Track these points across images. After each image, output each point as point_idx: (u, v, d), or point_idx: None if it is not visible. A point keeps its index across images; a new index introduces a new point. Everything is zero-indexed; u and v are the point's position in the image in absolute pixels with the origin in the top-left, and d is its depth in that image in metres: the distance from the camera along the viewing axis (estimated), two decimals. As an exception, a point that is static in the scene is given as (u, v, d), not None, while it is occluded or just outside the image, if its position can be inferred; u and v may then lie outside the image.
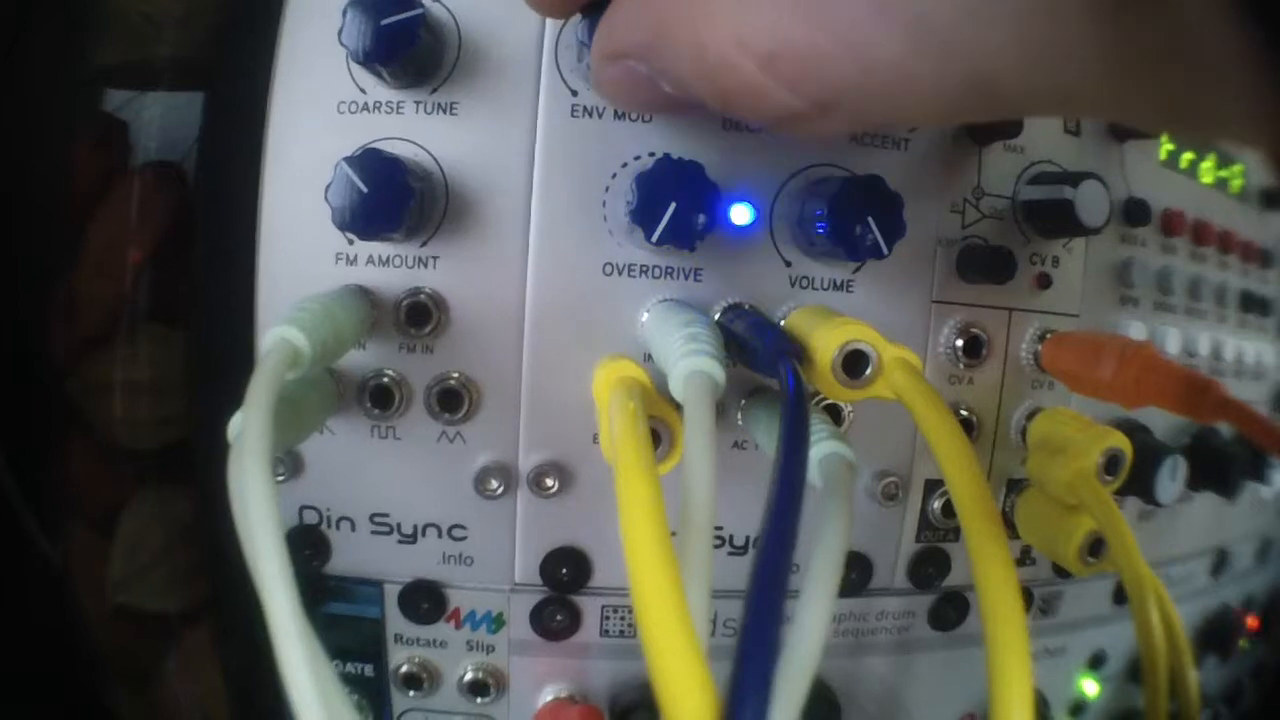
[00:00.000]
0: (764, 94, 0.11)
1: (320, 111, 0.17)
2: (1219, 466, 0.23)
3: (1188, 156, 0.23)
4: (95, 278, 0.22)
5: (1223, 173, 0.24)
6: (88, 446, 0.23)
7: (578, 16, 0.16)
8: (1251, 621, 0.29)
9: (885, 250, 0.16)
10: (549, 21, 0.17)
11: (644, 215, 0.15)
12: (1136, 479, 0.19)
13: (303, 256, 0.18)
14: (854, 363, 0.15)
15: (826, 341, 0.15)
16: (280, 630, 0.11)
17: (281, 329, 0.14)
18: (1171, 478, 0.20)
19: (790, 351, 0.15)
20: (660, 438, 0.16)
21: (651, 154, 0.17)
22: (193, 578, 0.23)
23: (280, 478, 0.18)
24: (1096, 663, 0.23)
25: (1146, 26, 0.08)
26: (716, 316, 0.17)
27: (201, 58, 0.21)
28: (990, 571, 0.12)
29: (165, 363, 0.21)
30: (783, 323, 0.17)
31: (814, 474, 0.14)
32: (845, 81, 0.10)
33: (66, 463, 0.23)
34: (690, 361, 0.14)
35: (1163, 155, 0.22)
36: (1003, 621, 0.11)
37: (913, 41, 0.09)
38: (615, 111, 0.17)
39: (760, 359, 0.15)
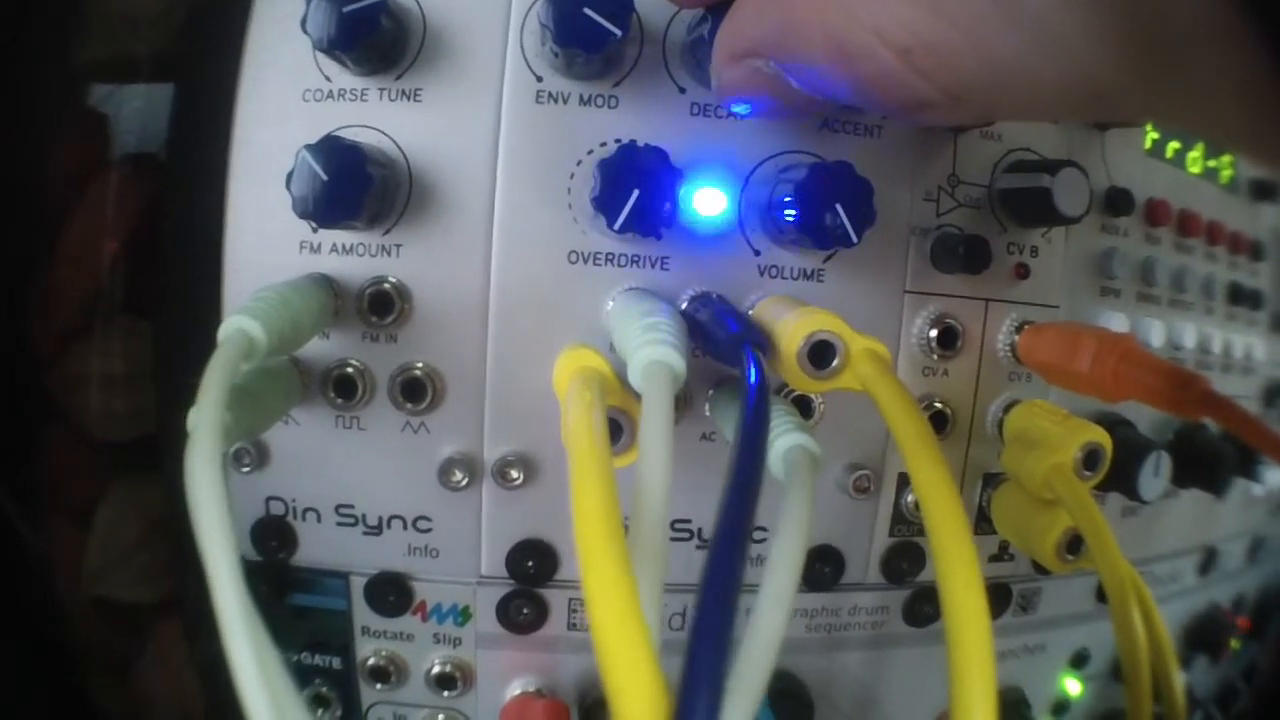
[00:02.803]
0: (901, 82, 0.11)
1: (286, 100, 0.17)
2: (1207, 463, 0.22)
3: (1174, 146, 0.22)
4: (72, 270, 0.22)
5: (1211, 163, 0.23)
6: (66, 438, 0.23)
7: (540, 4, 0.15)
8: (1242, 621, 0.28)
9: (854, 238, 0.15)
10: (515, 7, 0.17)
11: (606, 202, 0.15)
12: (1118, 475, 0.19)
13: (268, 246, 0.17)
14: (820, 353, 0.15)
15: (792, 331, 0.15)
16: (227, 623, 0.11)
17: (236, 319, 0.14)
18: (1155, 474, 0.20)
19: (753, 341, 0.15)
20: (622, 429, 0.15)
21: (617, 140, 0.17)
22: (167, 569, 0.23)
23: (246, 468, 0.18)
24: (1079, 661, 0.23)
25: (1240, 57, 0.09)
26: (683, 305, 0.17)
27: (175, 49, 0.21)
28: (954, 572, 0.12)
29: (138, 355, 0.21)
30: (750, 312, 0.17)
31: (778, 466, 0.14)
32: (974, 76, 0.11)
33: (46, 455, 0.23)
34: (649, 351, 0.14)
35: (1147, 144, 0.22)
36: (966, 626, 0.11)
37: (1034, 44, 0.10)
38: (580, 97, 0.17)
39: (723, 348, 0.15)
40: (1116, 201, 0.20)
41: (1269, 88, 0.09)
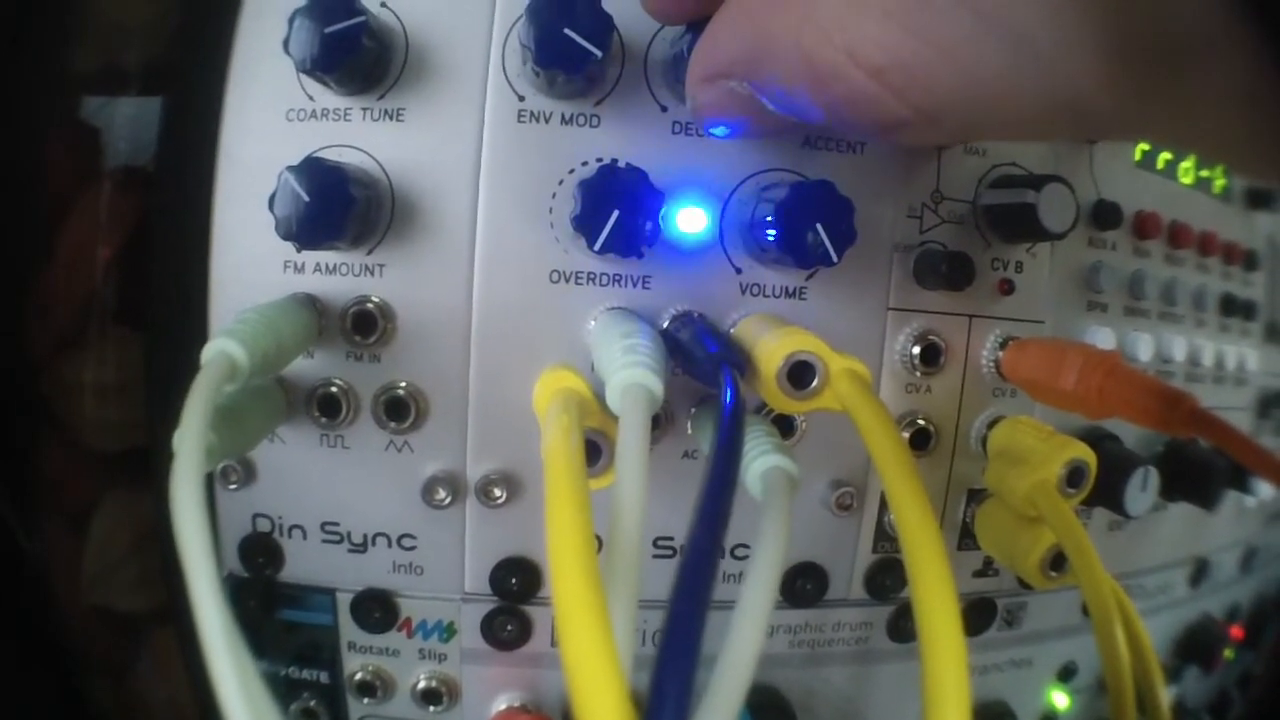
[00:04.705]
0: (874, 102, 0.11)
1: (270, 119, 0.17)
2: (1197, 476, 0.22)
3: (1165, 157, 0.22)
4: (65, 279, 0.22)
5: (1204, 173, 0.23)
6: (62, 445, 0.23)
7: (523, 20, 0.15)
8: (1235, 631, 0.28)
9: (835, 258, 0.15)
10: (496, 26, 0.17)
11: (586, 223, 0.15)
12: (1105, 490, 0.19)
13: (253, 264, 0.17)
14: (800, 374, 0.15)
15: (771, 352, 0.15)
16: (208, 642, 0.11)
17: (219, 341, 0.14)
18: (1142, 489, 0.19)
19: (731, 361, 0.15)
20: (601, 450, 0.15)
21: (599, 160, 0.17)
22: (160, 579, 0.23)
23: (233, 486, 0.18)
24: (1066, 675, 0.23)
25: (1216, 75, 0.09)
26: (665, 324, 0.17)
27: (165, 61, 0.21)
28: (928, 596, 0.12)
29: (130, 366, 0.21)
30: (732, 331, 0.17)
31: (756, 487, 0.14)
32: (950, 94, 0.11)
33: (42, 461, 0.23)
34: (627, 374, 0.14)
35: (1137, 156, 0.21)
36: (941, 651, 0.11)
37: (1014, 60, 0.10)
38: (562, 116, 0.17)
39: (701, 369, 0.15)
40: (1104, 215, 0.20)
41: (1271, 93, 0.08)
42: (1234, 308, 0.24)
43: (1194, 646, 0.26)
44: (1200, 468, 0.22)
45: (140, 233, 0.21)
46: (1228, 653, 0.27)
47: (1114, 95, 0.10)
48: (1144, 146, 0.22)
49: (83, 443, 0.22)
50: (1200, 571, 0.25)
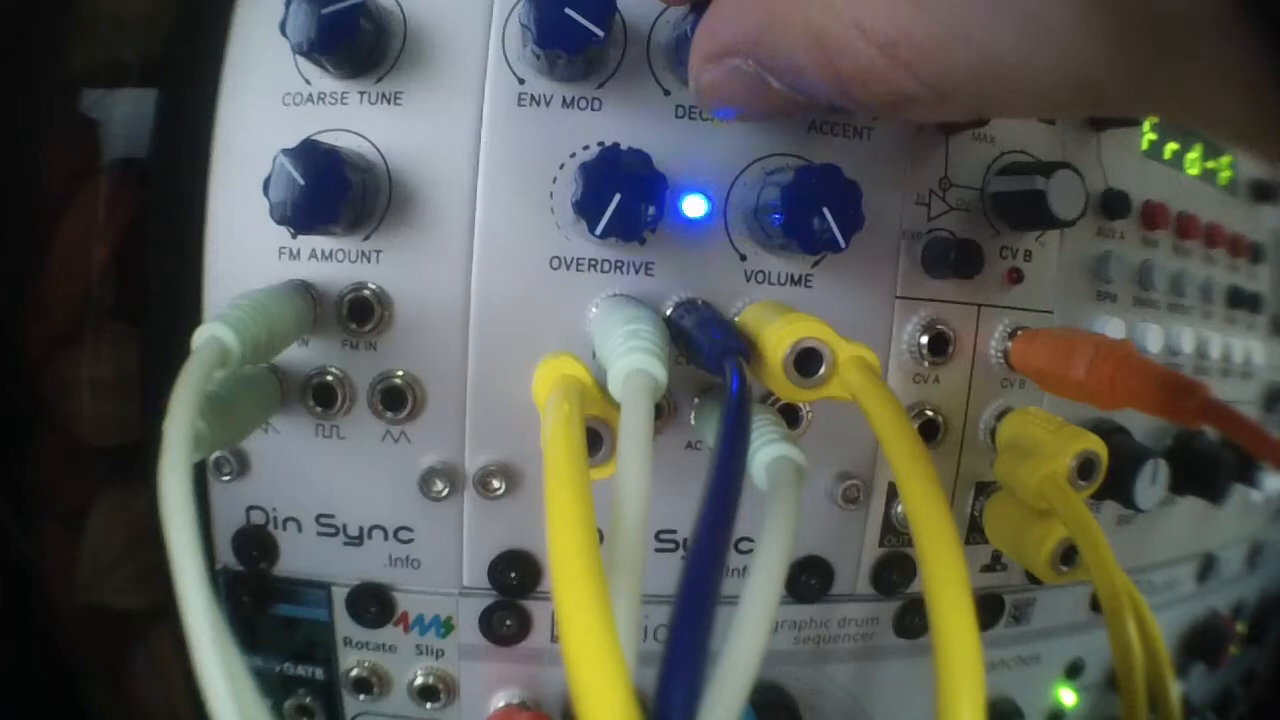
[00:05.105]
0: (885, 78, 0.11)
1: (266, 104, 0.17)
2: (1204, 470, 0.22)
3: (1171, 147, 0.22)
4: (62, 277, 0.21)
5: (1210, 164, 0.23)
6: (58, 444, 0.23)
7: (522, 5, 0.15)
8: (1241, 628, 0.28)
9: (842, 243, 0.15)
10: (496, 8, 0.17)
11: (588, 207, 0.15)
12: (1114, 483, 0.19)
13: (247, 252, 0.17)
14: (807, 361, 0.14)
15: (778, 339, 0.14)
16: (194, 634, 0.11)
17: (210, 326, 0.14)
18: (1151, 482, 0.19)
19: (736, 349, 0.14)
20: (603, 440, 0.15)
21: (600, 143, 0.16)
22: (157, 576, 0.22)
23: (226, 477, 0.18)
24: (1074, 671, 0.23)
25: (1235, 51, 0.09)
26: (668, 312, 0.17)
27: (161, 53, 0.21)
28: (943, 593, 0.11)
29: (126, 361, 0.21)
30: (736, 319, 0.17)
31: (761, 477, 0.14)
32: (964, 71, 0.11)
33: (38, 460, 0.23)
34: (629, 360, 0.13)
35: (1144, 145, 0.21)
36: (955, 650, 0.10)
37: (1028, 38, 0.10)
38: (563, 99, 0.17)
39: (706, 357, 0.15)
40: (1112, 204, 0.20)
41: (1269, 78, 0.08)
42: (1240, 300, 0.24)
43: (1201, 643, 0.26)
44: (1208, 461, 0.22)
45: (136, 226, 0.20)
46: (1233, 649, 0.27)
47: (1122, 76, 0.10)
48: (1151, 136, 0.21)
49: (79, 440, 0.22)
50: (1207, 567, 0.25)
